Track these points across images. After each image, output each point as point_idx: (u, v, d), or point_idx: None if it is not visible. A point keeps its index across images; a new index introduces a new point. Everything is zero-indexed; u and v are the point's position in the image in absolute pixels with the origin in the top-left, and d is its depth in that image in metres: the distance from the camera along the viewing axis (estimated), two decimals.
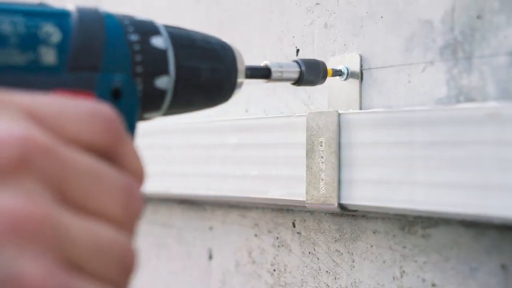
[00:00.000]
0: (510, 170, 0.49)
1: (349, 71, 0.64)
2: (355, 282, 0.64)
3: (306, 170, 0.65)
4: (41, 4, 0.41)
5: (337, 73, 0.63)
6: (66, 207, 0.32)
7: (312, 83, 0.59)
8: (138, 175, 0.37)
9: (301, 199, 0.66)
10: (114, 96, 0.42)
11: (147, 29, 0.45)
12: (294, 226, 0.71)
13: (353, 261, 0.65)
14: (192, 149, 0.78)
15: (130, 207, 0.35)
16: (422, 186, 0.55)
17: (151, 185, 0.83)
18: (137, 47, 0.43)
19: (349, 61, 0.64)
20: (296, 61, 0.58)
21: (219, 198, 0.75)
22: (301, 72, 0.58)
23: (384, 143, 0.58)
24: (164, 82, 0.45)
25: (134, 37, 0.43)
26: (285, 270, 0.72)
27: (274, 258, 0.73)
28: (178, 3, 0.87)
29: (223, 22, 0.79)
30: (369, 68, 0.63)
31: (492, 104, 0.52)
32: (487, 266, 0.54)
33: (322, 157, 0.64)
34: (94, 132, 0.34)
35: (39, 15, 0.39)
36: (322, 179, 0.64)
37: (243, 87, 0.76)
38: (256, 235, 0.75)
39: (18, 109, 0.32)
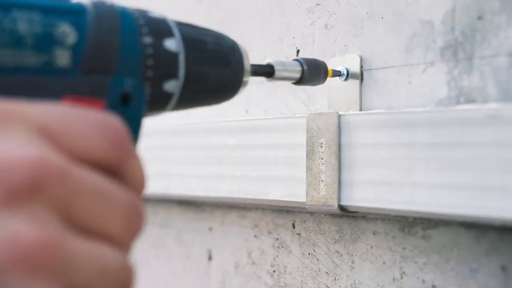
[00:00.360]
0: (511, 172, 0.49)
1: (349, 72, 0.64)
2: (355, 283, 0.64)
3: (306, 171, 0.65)
4: None
5: (336, 73, 0.63)
6: (72, 230, 0.32)
7: (313, 83, 0.60)
8: (140, 187, 0.37)
9: (301, 200, 0.66)
10: (123, 101, 0.41)
11: (161, 30, 0.44)
12: (294, 227, 0.71)
13: (353, 262, 0.65)
14: (192, 150, 0.78)
15: (132, 225, 0.35)
16: (422, 187, 0.55)
17: (151, 186, 0.83)
18: (149, 51, 0.43)
19: (349, 62, 0.64)
20: (298, 60, 0.58)
21: (218, 199, 0.75)
22: (303, 72, 0.58)
23: (384, 144, 0.58)
24: (172, 85, 0.44)
25: (148, 40, 0.43)
26: (285, 271, 0.72)
27: (274, 259, 0.73)
28: (178, 3, 0.87)
29: (223, 22, 0.79)
30: (370, 69, 0.63)
31: (492, 105, 0.52)
32: (487, 267, 0.54)
33: (322, 158, 0.63)
34: (103, 147, 0.34)
35: (56, 12, 0.38)
36: (322, 180, 0.63)
37: (243, 89, 0.76)
38: (255, 236, 0.75)
39: (30, 124, 0.32)
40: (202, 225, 0.83)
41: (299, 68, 0.58)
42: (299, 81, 0.58)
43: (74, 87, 0.39)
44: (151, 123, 0.85)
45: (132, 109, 0.41)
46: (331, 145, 0.63)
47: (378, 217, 0.62)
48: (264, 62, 0.57)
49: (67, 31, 0.38)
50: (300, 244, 0.70)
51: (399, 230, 0.61)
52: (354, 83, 0.64)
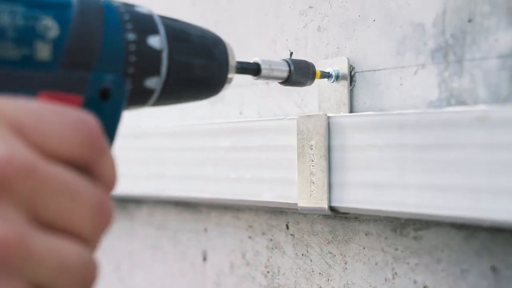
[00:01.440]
0: (500, 173, 0.50)
1: (338, 74, 0.64)
2: (348, 284, 0.65)
3: (298, 173, 0.65)
4: None
5: (325, 75, 0.64)
6: (38, 227, 0.32)
7: (300, 83, 0.60)
8: (111, 184, 0.37)
9: (293, 202, 0.66)
10: (102, 97, 0.41)
11: (146, 26, 0.44)
12: (287, 228, 0.71)
13: (345, 263, 0.65)
14: (187, 152, 0.78)
15: (99, 222, 0.35)
16: (413, 188, 0.55)
17: (147, 187, 0.83)
18: (132, 48, 0.42)
19: (338, 64, 0.64)
20: (286, 61, 0.59)
21: (213, 200, 0.76)
22: (290, 72, 0.58)
23: (374, 146, 0.59)
24: (153, 82, 0.44)
25: (131, 36, 0.43)
26: (278, 272, 0.72)
27: (268, 260, 0.73)
28: (174, 5, 0.87)
29: (218, 24, 0.80)
30: (362, 71, 0.63)
31: (482, 107, 0.52)
32: (478, 268, 0.55)
33: (312, 161, 0.64)
34: (75, 146, 0.34)
35: (40, 6, 0.38)
36: (313, 182, 0.64)
37: (237, 90, 0.77)
38: (250, 237, 0.76)
39: (3, 120, 0.32)
40: (197, 226, 0.84)
41: (286, 68, 0.58)
42: (286, 81, 0.59)
43: (52, 82, 0.39)
44: (146, 125, 0.86)
45: (111, 105, 0.42)
46: (321, 147, 0.63)
47: (370, 218, 0.63)
48: (252, 60, 0.57)
49: (49, 25, 0.38)
50: (293, 245, 0.70)
51: (391, 231, 0.61)
52: (343, 85, 0.64)
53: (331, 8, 0.66)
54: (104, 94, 0.41)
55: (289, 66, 0.58)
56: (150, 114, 0.90)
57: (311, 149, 0.64)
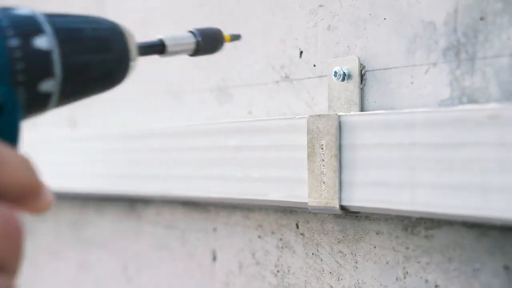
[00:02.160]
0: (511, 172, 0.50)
1: (346, 73, 0.64)
2: (358, 283, 0.65)
3: (308, 173, 0.65)
4: None
5: (235, 38, 0.60)
6: None
7: (210, 51, 0.57)
8: (20, 189, 0.35)
9: (303, 201, 0.66)
10: None
11: (29, 29, 0.41)
12: (297, 227, 0.71)
13: (356, 262, 0.65)
14: (195, 151, 0.78)
15: (8, 243, 0.33)
16: (424, 187, 0.55)
17: (155, 187, 0.83)
18: (18, 54, 0.40)
19: (348, 63, 0.64)
20: (191, 32, 0.56)
21: (222, 199, 0.76)
22: (197, 43, 0.56)
23: (385, 145, 0.58)
24: (49, 85, 0.42)
25: (14, 42, 0.40)
26: (288, 271, 0.72)
27: (278, 259, 0.73)
28: (180, 6, 0.87)
29: (225, 24, 0.79)
30: (373, 70, 0.63)
31: (493, 105, 0.52)
32: (490, 267, 0.55)
33: (323, 160, 0.64)
34: None
35: None
36: (323, 182, 0.64)
37: (246, 90, 0.76)
38: (259, 237, 0.76)
39: None
40: (206, 226, 0.84)
41: (193, 40, 0.55)
42: (195, 53, 0.56)
43: None
44: (154, 126, 0.86)
45: (5, 118, 0.39)
46: (332, 146, 0.63)
47: (381, 217, 0.63)
48: (155, 38, 0.54)
49: None
50: (303, 244, 0.70)
51: (402, 230, 0.61)
52: (354, 84, 0.64)
53: (341, 7, 0.66)
54: None
55: (195, 36, 0.56)
56: (157, 115, 0.90)
57: (322, 148, 0.64)
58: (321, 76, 0.68)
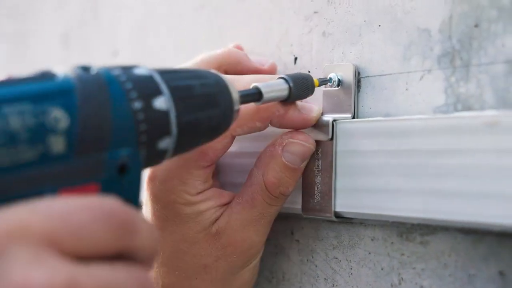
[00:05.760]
0: (508, 179, 0.50)
1: (340, 80, 0.64)
2: None
3: (302, 179, 0.65)
4: (44, 75, 0.38)
5: (324, 82, 0.64)
6: None
7: (301, 97, 0.61)
8: (149, 256, 0.38)
9: (297, 207, 0.66)
10: (120, 172, 0.40)
11: (149, 90, 0.43)
12: (292, 233, 0.71)
13: (351, 268, 0.65)
14: None
15: None
16: (420, 194, 0.56)
17: None
18: (141, 117, 0.42)
19: (343, 70, 0.64)
20: (284, 78, 0.59)
21: None
22: (290, 89, 0.59)
23: (380, 152, 0.59)
24: (166, 143, 0.44)
25: (137, 105, 0.42)
26: (283, 277, 0.72)
27: (273, 265, 0.73)
28: (178, 10, 0.87)
29: (222, 30, 0.80)
30: (367, 76, 0.63)
31: (490, 112, 0.53)
32: (485, 273, 0.55)
33: (317, 166, 0.64)
34: (109, 239, 0.36)
35: (46, 97, 0.37)
36: (317, 188, 0.64)
37: None
38: None
39: (34, 237, 0.33)
40: None
41: (286, 86, 0.59)
42: (287, 99, 0.59)
43: (71, 173, 0.37)
44: None
45: (130, 178, 0.41)
46: (326, 153, 0.63)
47: (376, 223, 0.63)
48: (251, 86, 0.57)
49: (58, 116, 0.37)
50: (298, 250, 0.70)
51: (397, 236, 0.61)
52: (348, 91, 0.64)
53: (336, 13, 0.66)
54: (122, 170, 0.40)
55: (288, 83, 0.59)
56: None
57: (316, 154, 0.64)
58: None
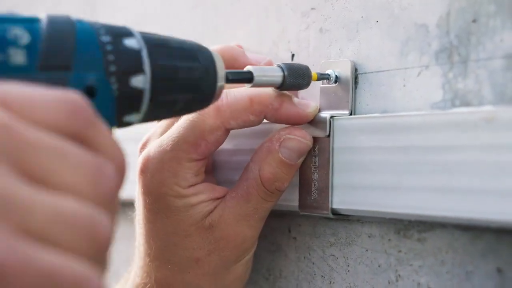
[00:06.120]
0: (506, 175, 0.50)
1: (338, 76, 0.64)
2: (350, 287, 0.64)
3: (299, 175, 0.65)
4: (10, 12, 0.42)
5: (323, 77, 0.63)
6: (26, 181, 0.32)
7: (296, 87, 0.60)
8: (114, 159, 0.37)
9: (294, 204, 0.66)
10: (88, 95, 0.42)
11: (120, 31, 0.45)
12: (289, 231, 0.71)
13: (348, 266, 0.65)
14: None
15: (100, 185, 0.35)
16: (418, 191, 0.55)
17: None
18: (109, 47, 0.44)
19: (341, 67, 0.64)
20: (280, 66, 0.59)
21: None
22: (284, 77, 0.59)
23: (378, 148, 0.58)
24: (140, 81, 0.45)
25: (105, 38, 0.44)
26: (280, 275, 0.72)
27: (270, 263, 0.73)
28: (174, 9, 0.87)
29: (219, 27, 0.79)
30: (365, 73, 0.63)
31: (488, 108, 0.52)
32: (483, 270, 0.55)
33: (314, 163, 0.64)
34: (61, 115, 0.35)
35: (8, 21, 0.40)
36: (314, 185, 0.64)
37: None
38: None
39: None
40: None
41: (280, 74, 0.59)
42: (281, 87, 0.59)
43: (33, 81, 0.40)
44: (145, 130, 0.85)
45: (99, 103, 0.42)
46: (323, 149, 0.63)
47: (373, 220, 0.62)
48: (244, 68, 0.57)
49: (19, 34, 0.40)
50: (295, 247, 0.70)
51: (394, 233, 0.61)
52: (345, 87, 0.64)
53: (333, 10, 0.66)
54: (90, 92, 0.42)
55: (283, 71, 0.59)
56: None
57: (314, 151, 0.64)
58: None
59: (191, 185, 0.62)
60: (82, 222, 0.33)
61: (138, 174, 0.63)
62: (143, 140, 0.67)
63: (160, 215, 0.63)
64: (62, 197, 0.33)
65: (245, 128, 0.64)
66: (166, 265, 0.64)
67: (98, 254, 0.34)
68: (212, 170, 0.71)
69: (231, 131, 0.63)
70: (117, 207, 0.37)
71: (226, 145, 0.66)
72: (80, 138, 0.35)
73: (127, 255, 0.93)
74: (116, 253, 0.95)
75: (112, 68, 0.44)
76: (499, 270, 0.54)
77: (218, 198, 0.64)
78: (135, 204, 0.67)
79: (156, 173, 0.62)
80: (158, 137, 0.64)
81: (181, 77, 0.48)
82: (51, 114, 0.34)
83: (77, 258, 0.32)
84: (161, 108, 0.48)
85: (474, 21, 0.55)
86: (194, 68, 0.49)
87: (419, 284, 0.59)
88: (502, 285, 0.53)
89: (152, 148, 0.63)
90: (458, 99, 0.56)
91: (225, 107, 0.60)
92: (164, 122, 0.66)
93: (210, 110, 0.60)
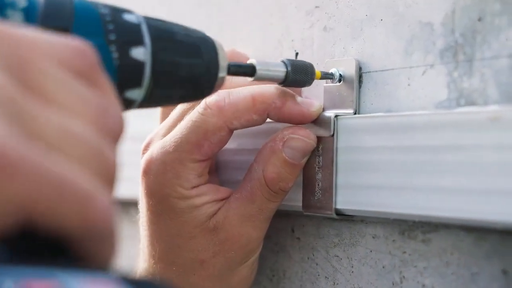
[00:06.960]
0: None
1: (342, 75, 0.63)
2: None
3: (303, 175, 0.64)
4: None
5: (327, 76, 0.63)
6: (30, 94, 0.29)
7: (299, 84, 0.60)
8: (117, 110, 0.34)
9: (298, 204, 0.65)
10: None
11: (119, 8, 0.45)
12: (293, 231, 0.70)
13: (352, 267, 0.64)
14: None
15: (106, 121, 0.32)
16: (422, 191, 0.55)
17: None
18: (108, 18, 0.43)
19: (345, 65, 0.63)
20: (283, 61, 0.58)
21: None
22: (287, 73, 0.58)
23: (382, 148, 0.58)
24: (140, 52, 0.44)
25: (104, 10, 0.43)
26: (284, 275, 0.71)
27: (273, 263, 0.72)
28: (178, 7, 0.87)
29: (223, 26, 0.79)
30: (369, 72, 0.62)
31: (493, 107, 0.52)
32: (488, 271, 0.54)
33: (318, 163, 0.63)
34: (67, 52, 0.32)
35: None
36: (318, 185, 0.63)
37: None
38: None
39: None
40: None
41: (283, 69, 0.58)
42: (283, 82, 0.58)
43: None
44: (147, 128, 0.85)
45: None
46: (327, 149, 0.62)
47: (378, 221, 0.62)
48: (248, 61, 0.57)
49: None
50: (299, 248, 0.69)
51: (398, 234, 0.60)
52: (350, 86, 0.63)
53: (337, 8, 0.65)
54: None
55: (286, 66, 0.58)
56: (152, 117, 0.89)
57: (317, 151, 0.63)
58: None
59: (195, 187, 0.62)
60: (91, 142, 0.30)
61: (141, 176, 0.63)
62: (145, 141, 0.66)
63: (163, 216, 0.62)
64: (69, 118, 0.30)
65: (249, 128, 0.63)
66: (171, 267, 0.64)
67: (108, 178, 0.31)
68: (216, 170, 0.71)
69: (235, 131, 0.63)
70: (119, 157, 0.34)
71: (230, 145, 0.65)
72: (86, 78, 0.33)
73: (130, 254, 0.93)
74: (120, 254, 0.95)
75: (112, 36, 0.43)
76: (504, 272, 0.53)
77: (222, 199, 0.63)
78: (138, 206, 0.66)
79: (159, 174, 0.61)
80: (161, 138, 0.63)
81: (182, 49, 0.48)
82: (58, 49, 0.32)
83: (88, 174, 0.29)
84: (163, 87, 0.47)
85: (479, 19, 0.54)
86: (194, 36, 0.50)
87: (423, 285, 0.58)
88: (507, 287, 0.53)
89: (155, 149, 0.62)
90: (463, 98, 0.55)
91: (228, 107, 0.60)
92: (166, 123, 0.65)
93: (212, 110, 0.59)
